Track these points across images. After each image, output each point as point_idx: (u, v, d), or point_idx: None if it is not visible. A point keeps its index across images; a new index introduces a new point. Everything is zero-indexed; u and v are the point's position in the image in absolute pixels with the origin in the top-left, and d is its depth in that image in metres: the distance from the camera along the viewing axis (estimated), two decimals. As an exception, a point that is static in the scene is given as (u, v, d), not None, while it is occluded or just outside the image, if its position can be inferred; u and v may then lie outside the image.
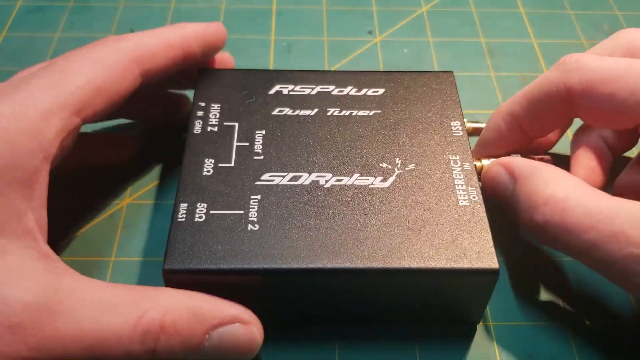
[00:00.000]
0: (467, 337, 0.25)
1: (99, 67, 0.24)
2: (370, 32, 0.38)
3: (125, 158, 0.30)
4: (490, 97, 0.35)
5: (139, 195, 0.29)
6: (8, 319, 0.18)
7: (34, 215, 0.21)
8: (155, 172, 0.30)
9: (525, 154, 0.28)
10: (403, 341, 0.25)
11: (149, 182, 0.30)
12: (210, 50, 0.28)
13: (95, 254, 0.27)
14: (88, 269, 0.26)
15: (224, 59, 0.30)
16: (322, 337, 0.25)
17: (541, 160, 0.27)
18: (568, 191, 0.22)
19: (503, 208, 0.25)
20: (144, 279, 0.26)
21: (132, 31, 0.37)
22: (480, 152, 0.28)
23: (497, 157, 0.27)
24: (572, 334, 0.25)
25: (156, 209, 0.29)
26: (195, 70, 0.29)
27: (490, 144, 0.27)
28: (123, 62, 0.24)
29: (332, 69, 0.36)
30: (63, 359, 0.19)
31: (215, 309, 0.21)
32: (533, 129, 0.26)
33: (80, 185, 0.29)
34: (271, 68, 0.36)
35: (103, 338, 0.19)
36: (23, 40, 0.36)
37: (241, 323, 0.21)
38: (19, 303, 0.18)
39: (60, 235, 0.27)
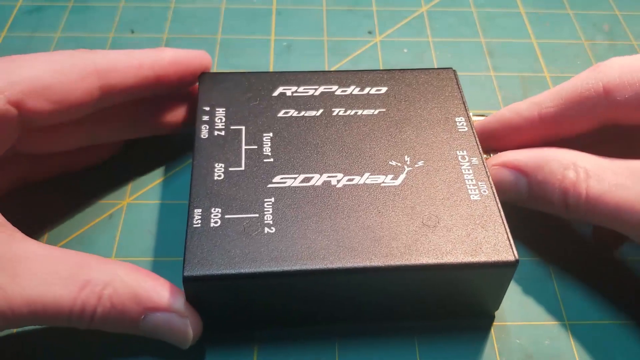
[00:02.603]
0: (467, 336, 0.25)
1: (53, 67, 0.24)
2: (370, 32, 0.38)
3: (105, 158, 0.30)
4: (490, 97, 0.35)
5: (139, 195, 0.29)
6: None
7: None
8: (155, 172, 0.30)
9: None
10: (402, 338, 0.25)
11: (149, 182, 0.30)
12: (190, 77, 0.28)
13: (95, 254, 0.27)
14: (88, 269, 0.26)
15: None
16: (322, 336, 0.25)
17: None
18: (587, 168, 0.24)
19: (518, 205, 0.26)
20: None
21: (132, 31, 0.37)
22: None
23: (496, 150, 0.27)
24: (571, 333, 0.25)
25: (156, 209, 0.29)
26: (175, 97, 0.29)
27: (498, 131, 0.27)
28: (82, 70, 0.24)
29: (332, 69, 0.36)
30: (11, 319, 0.20)
31: (153, 293, 0.22)
32: (560, 123, 0.26)
33: (80, 185, 0.29)
34: (271, 68, 0.36)
35: (46, 306, 0.21)
36: (23, 40, 0.36)
37: (177, 314, 0.22)
38: None
39: (60, 235, 0.27)
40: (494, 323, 0.25)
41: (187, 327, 0.22)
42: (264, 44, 0.37)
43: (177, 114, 0.30)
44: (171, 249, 0.27)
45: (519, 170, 0.25)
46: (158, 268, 0.27)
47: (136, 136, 0.30)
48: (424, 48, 0.37)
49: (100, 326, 0.22)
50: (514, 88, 0.35)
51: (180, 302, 0.22)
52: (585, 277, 0.27)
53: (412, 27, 0.39)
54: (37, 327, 0.22)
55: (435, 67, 0.36)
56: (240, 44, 0.37)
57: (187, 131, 0.30)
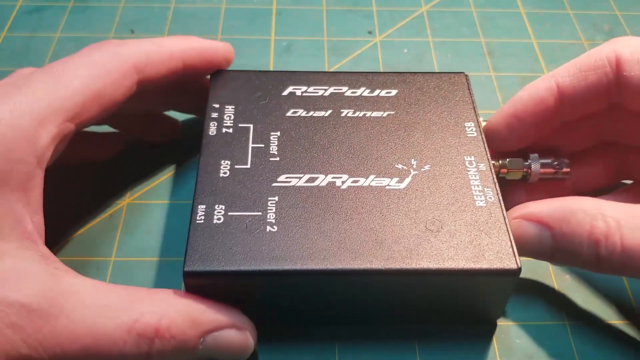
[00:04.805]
0: (467, 337, 0.25)
1: (97, 72, 0.24)
2: (370, 32, 0.38)
3: (110, 154, 0.30)
4: (490, 97, 0.35)
5: (139, 195, 0.29)
6: (8, 319, 0.19)
7: (32, 219, 0.21)
8: (155, 172, 0.30)
9: (542, 154, 0.27)
10: (403, 341, 0.25)
11: (149, 182, 0.30)
12: (215, 68, 0.28)
13: (95, 254, 0.27)
14: (88, 269, 0.26)
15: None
16: (322, 337, 0.25)
17: (560, 164, 0.27)
18: (616, 217, 0.22)
19: (540, 260, 0.24)
20: (144, 279, 0.26)
21: (132, 31, 0.37)
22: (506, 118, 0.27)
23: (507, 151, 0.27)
24: (572, 334, 0.25)
25: (156, 209, 0.29)
26: (196, 92, 0.29)
27: (522, 106, 0.26)
28: (122, 68, 0.24)
29: (332, 69, 0.36)
30: (60, 357, 0.19)
31: (211, 314, 0.21)
32: (576, 95, 0.26)
33: (80, 185, 0.29)
34: (271, 68, 0.36)
35: (98, 340, 0.20)
36: (23, 40, 0.36)
37: (237, 329, 0.22)
38: (19, 305, 0.19)
39: (60, 235, 0.27)
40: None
41: (247, 338, 0.22)
42: (264, 44, 0.37)
43: (195, 98, 0.30)
44: (171, 249, 0.27)
45: (541, 223, 0.23)
46: (158, 268, 0.27)
47: (159, 110, 0.30)
48: (424, 48, 0.37)
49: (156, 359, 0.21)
50: (514, 88, 0.35)
51: (237, 316, 0.22)
52: (585, 277, 0.27)
53: (412, 27, 0.39)
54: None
55: (435, 67, 0.36)
56: (240, 44, 0.37)
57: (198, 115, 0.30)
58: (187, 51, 0.27)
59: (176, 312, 0.21)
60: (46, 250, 0.21)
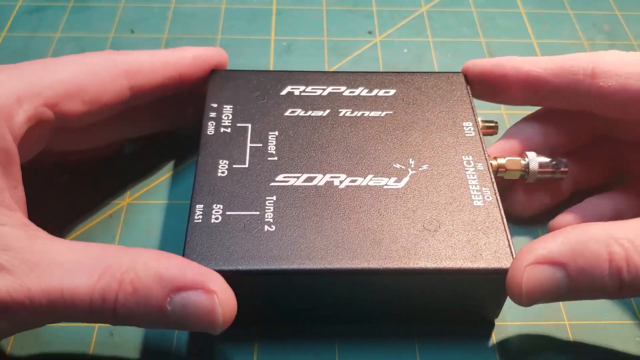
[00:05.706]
0: (467, 336, 0.25)
1: (86, 70, 0.24)
2: (370, 32, 0.38)
3: (110, 154, 0.30)
4: (490, 97, 0.35)
5: (139, 195, 0.29)
6: None
7: (11, 191, 0.22)
8: (155, 173, 0.30)
9: (540, 152, 0.27)
10: (403, 340, 0.25)
11: (149, 182, 0.30)
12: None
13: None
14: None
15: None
16: (322, 336, 0.25)
17: (558, 163, 0.27)
18: (629, 238, 0.21)
19: (555, 301, 0.22)
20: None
21: (132, 31, 0.37)
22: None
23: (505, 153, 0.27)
24: (571, 333, 0.25)
25: (156, 209, 0.29)
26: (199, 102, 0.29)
27: (487, 70, 0.28)
28: (113, 72, 0.25)
29: (332, 69, 0.36)
30: (30, 309, 0.20)
31: (179, 272, 0.20)
32: (542, 88, 0.27)
33: (80, 185, 0.29)
34: (271, 68, 0.36)
35: (65, 295, 0.20)
36: (23, 40, 0.36)
37: (204, 290, 0.20)
38: None
39: (60, 235, 0.27)
40: (494, 323, 0.25)
41: (214, 303, 0.20)
42: (264, 44, 0.37)
43: (193, 110, 0.30)
44: (171, 249, 0.27)
45: (554, 263, 0.21)
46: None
47: (157, 131, 0.30)
48: (424, 48, 0.37)
49: (125, 317, 0.20)
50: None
51: (207, 277, 0.21)
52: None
53: (412, 27, 0.39)
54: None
55: (435, 67, 0.36)
56: (240, 44, 0.37)
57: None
58: (181, 59, 0.27)
59: (143, 266, 0.20)
60: (26, 220, 0.22)
